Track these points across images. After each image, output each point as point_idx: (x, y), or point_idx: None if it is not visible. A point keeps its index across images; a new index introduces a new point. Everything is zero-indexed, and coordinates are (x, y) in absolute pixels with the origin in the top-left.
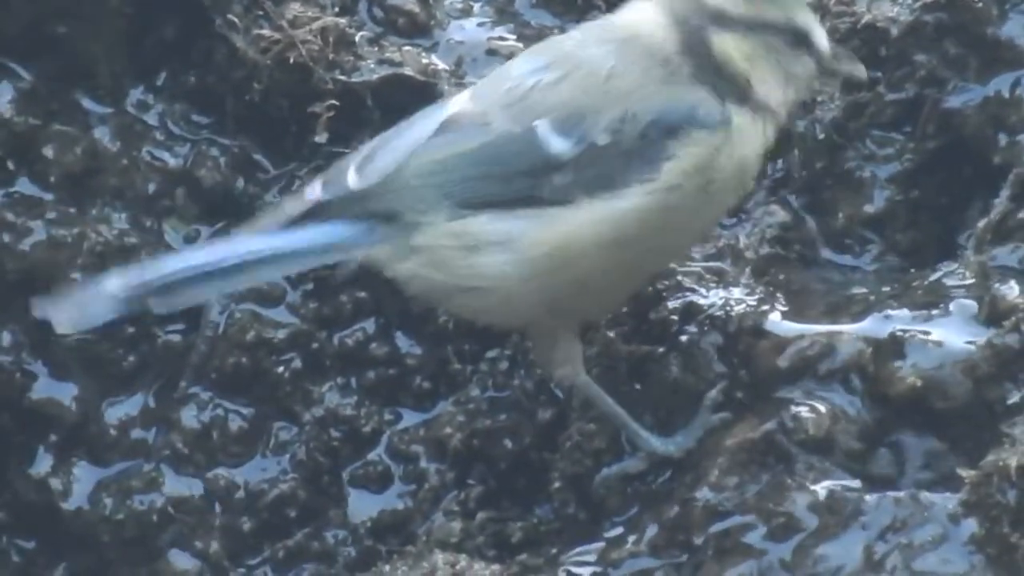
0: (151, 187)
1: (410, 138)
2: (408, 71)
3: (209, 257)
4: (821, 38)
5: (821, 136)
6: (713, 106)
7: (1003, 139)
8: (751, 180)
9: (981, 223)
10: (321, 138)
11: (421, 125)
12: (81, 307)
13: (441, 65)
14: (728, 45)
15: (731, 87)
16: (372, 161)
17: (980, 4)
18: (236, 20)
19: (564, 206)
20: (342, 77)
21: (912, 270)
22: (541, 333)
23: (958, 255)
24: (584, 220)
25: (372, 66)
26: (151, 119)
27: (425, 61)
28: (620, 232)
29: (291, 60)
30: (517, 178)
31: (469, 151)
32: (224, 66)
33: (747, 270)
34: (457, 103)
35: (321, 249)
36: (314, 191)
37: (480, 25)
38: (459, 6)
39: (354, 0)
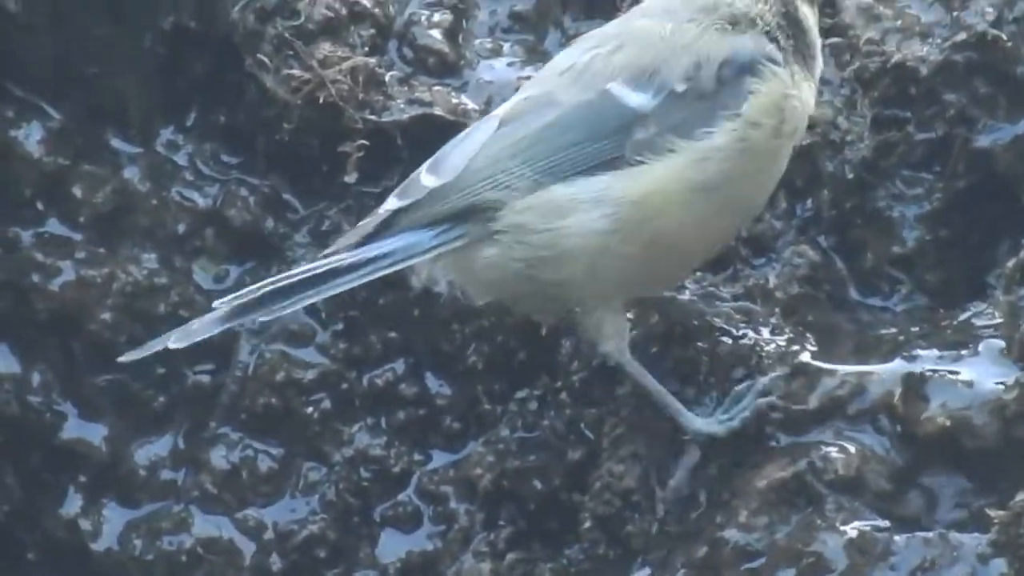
0: (181, 227)
1: (476, 139)
2: (438, 111)
3: (303, 268)
4: None
5: (850, 176)
6: (776, 50)
7: None
8: (804, 133)
9: (1010, 263)
10: (351, 178)
11: (483, 128)
12: (201, 323)
13: (471, 105)
14: (809, 14)
15: (798, 50)
16: (445, 161)
17: (1010, 43)
18: (266, 60)
19: (652, 158)
20: (372, 117)
21: (941, 310)
22: (594, 307)
23: (987, 295)
24: (672, 167)
25: (402, 106)
26: (181, 159)
27: (455, 101)
28: (707, 176)
29: (321, 100)
30: (599, 141)
31: (544, 125)
32: (254, 105)
33: (776, 310)
34: (507, 104)
35: (406, 253)
36: (387, 204)
37: (510, 65)
38: (489, 46)
39: (384, 40)
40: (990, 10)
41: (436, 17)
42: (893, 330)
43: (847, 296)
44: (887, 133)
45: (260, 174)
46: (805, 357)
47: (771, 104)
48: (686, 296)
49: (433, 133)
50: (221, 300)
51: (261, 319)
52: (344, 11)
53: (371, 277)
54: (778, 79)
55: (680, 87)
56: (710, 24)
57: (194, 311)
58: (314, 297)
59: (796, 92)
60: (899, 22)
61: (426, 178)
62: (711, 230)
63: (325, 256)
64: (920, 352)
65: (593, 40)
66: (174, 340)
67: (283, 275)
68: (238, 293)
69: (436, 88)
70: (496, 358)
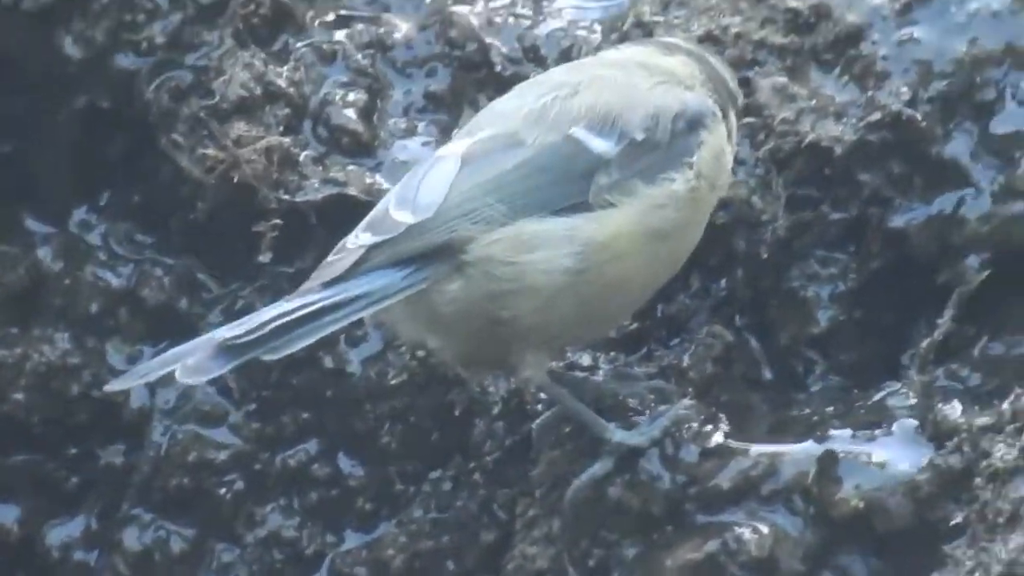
0: (94, 307)
1: (440, 176)
2: (352, 190)
3: (294, 307)
4: None
5: (765, 255)
6: (716, 105)
7: (947, 258)
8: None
9: (924, 343)
10: (265, 257)
11: (442, 165)
12: (199, 360)
13: (385, 184)
14: (728, 78)
15: (724, 100)
16: (416, 197)
17: (925, 123)
18: (181, 139)
19: (614, 203)
20: (286, 196)
21: (855, 390)
22: (532, 347)
23: (902, 375)
24: (634, 212)
25: (316, 185)
26: (94, 238)
27: (369, 180)
28: (664, 222)
29: (235, 179)
30: (565, 184)
31: (516, 165)
32: (169, 185)
33: (690, 390)
34: (457, 145)
35: (383, 293)
36: (359, 239)
37: (424, 144)
38: (403, 125)
39: (299, 119)
40: (905, 90)
41: (351, 96)
42: (807, 410)
43: (761, 376)
44: (801, 213)
45: (174, 254)
46: (719, 437)
47: (713, 155)
48: (599, 376)
49: (347, 213)
50: (220, 333)
51: (264, 357)
52: (259, 91)
53: (356, 316)
54: (719, 133)
55: (639, 136)
56: (657, 79)
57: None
58: (311, 336)
59: (729, 147)
60: (814, 102)
61: (399, 214)
62: (656, 276)
63: (302, 294)
64: (834, 432)
65: (544, 86)
66: (181, 374)
67: (281, 310)
68: (238, 328)
69: (350, 168)
70: (409, 438)
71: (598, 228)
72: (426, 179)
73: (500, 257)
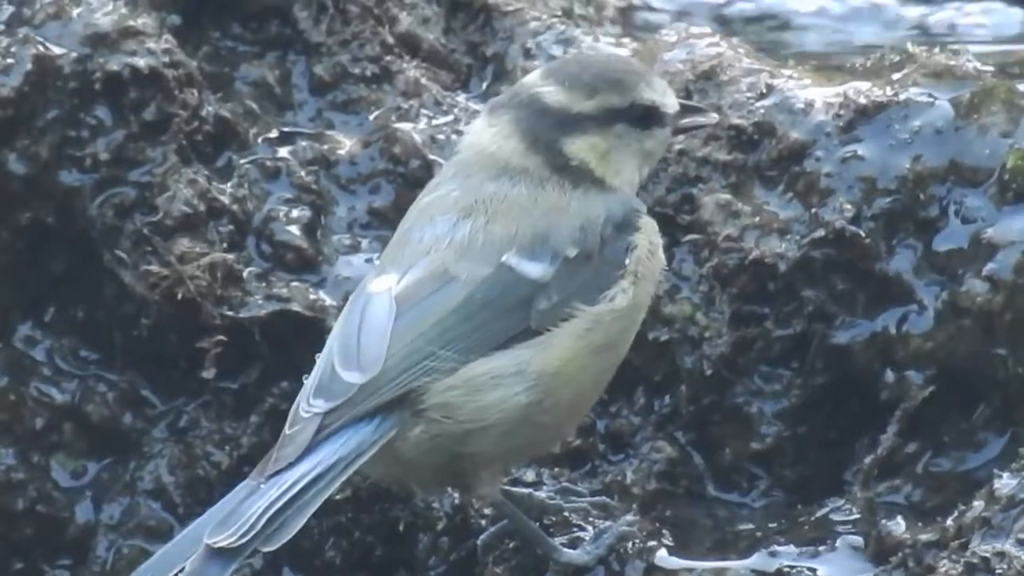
0: (38, 422)
1: (377, 323)
2: (296, 307)
3: (278, 491)
4: (666, 103)
5: (709, 371)
6: (639, 200)
7: (890, 375)
8: None
9: (868, 459)
10: (209, 373)
11: (376, 308)
12: (195, 569)
13: (328, 301)
14: (583, 149)
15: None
16: (359, 353)
17: (868, 240)
18: (124, 256)
19: (556, 326)
20: (230, 313)
21: (799, 506)
22: (489, 466)
23: (845, 491)
24: (577, 332)
25: (260, 301)
26: (39, 354)
27: (313, 296)
28: (608, 336)
29: (179, 295)
30: (506, 316)
31: (454, 308)
32: (112, 301)
33: (634, 506)
34: (387, 281)
35: (358, 451)
36: (312, 407)
37: (368, 260)
38: (347, 241)
39: (242, 235)
40: (848, 207)
41: (294, 213)
42: (751, 526)
43: (705, 492)
44: (745, 329)
45: (118, 370)
46: (662, 553)
47: (648, 256)
48: (543, 493)
49: (291, 329)
50: (214, 540)
51: (263, 549)
52: (202, 207)
53: (335, 486)
54: (649, 228)
55: (571, 252)
56: (555, 184)
57: (52, 507)
58: (302, 517)
59: (658, 237)
60: (757, 218)
61: (347, 375)
62: (605, 381)
63: (273, 474)
64: (778, 548)
65: (455, 210)
66: None
67: (267, 501)
68: (227, 531)
69: (294, 284)
70: (354, 554)
71: (547, 358)
72: (365, 329)
73: (457, 402)
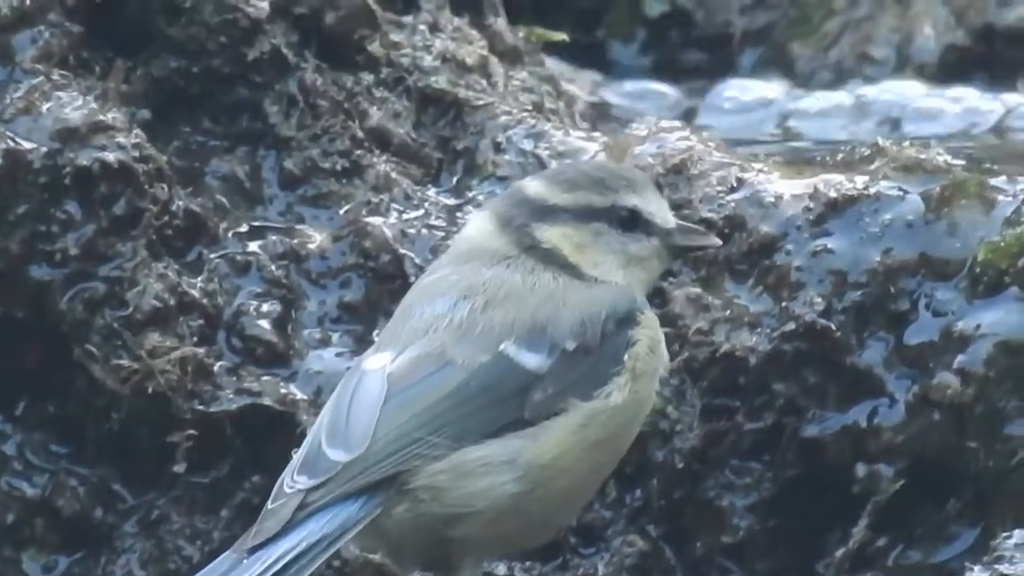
0: (9, 517)
1: (368, 400)
2: (267, 401)
3: (262, 566)
4: (658, 214)
5: (680, 465)
6: (637, 295)
7: (862, 468)
8: None
9: (840, 552)
10: (180, 467)
11: (368, 385)
12: None
13: (300, 395)
14: (555, 236)
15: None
16: (346, 431)
17: (839, 333)
18: (95, 350)
19: (550, 419)
20: (201, 407)
21: None
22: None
23: None
24: (572, 426)
25: (231, 395)
26: (9, 448)
27: (284, 391)
28: (606, 431)
29: (150, 390)
30: (500, 404)
31: (448, 393)
32: (83, 395)
33: None
34: (381, 359)
35: (342, 529)
36: (296, 483)
37: (339, 355)
38: (318, 335)
39: (213, 330)
40: (819, 300)
41: (265, 307)
42: None
43: None
44: (716, 422)
45: (89, 464)
46: None
47: (648, 351)
48: None
49: (262, 423)
50: None
51: None
52: (173, 301)
53: (318, 562)
54: (650, 323)
55: (570, 345)
56: (546, 271)
57: None
58: None
59: (660, 333)
60: (728, 312)
61: (332, 453)
62: (601, 476)
63: (254, 548)
64: None
65: (454, 291)
66: None
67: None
68: None
69: (265, 378)
70: None
71: (539, 449)
72: (355, 406)
73: (445, 486)
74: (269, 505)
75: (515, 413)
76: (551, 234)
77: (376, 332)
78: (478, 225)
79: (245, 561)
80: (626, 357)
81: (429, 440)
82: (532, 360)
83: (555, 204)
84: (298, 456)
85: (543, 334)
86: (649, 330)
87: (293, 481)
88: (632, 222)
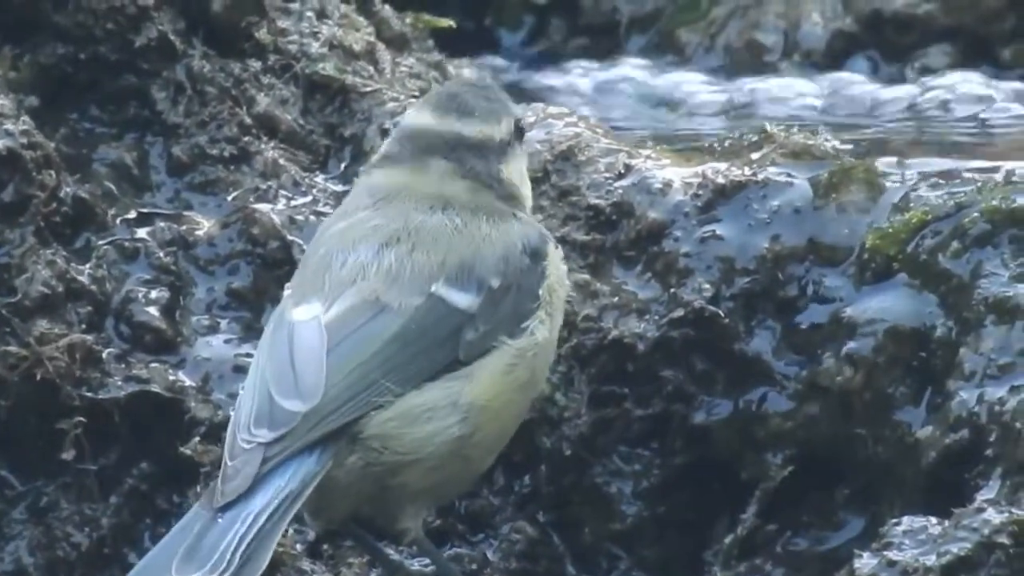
0: None
1: (310, 350)
2: (155, 387)
3: (244, 525)
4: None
5: (568, 452)
6: (542, 229)
7: (750, 454)
8: None
9: (728, 539)
10: (68, 455)
11: (305, 334)
12: None
13: (188, 382)
14: (511, 171)
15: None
16: (297, 381)
17: (727, 320)
18: None
19: (483, 358)
20: (89, 394)
21: None
22: (414, 502)
23: (706, 571)
24: (502, 366)
25: (119, 383)
26: None
27: (172, 377)
28: (532, 370)
29: (38, 377)
30: (438, 347)
31: (391, 338)
32: None
33: None
34: (312, 309)
35: (306, 481)
36: (250, 436)
37: (227, 342)
38: (206, 322)
39: (101, 317)
40: (707, 286)
41: (153, 294)
42: None
43: (565, 573)
44: (605, 410)
45: None
46: None
47: (557, 282)
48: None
49: (151, 410)
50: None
51: None
52: (61, 288)
53: (289, 517)
54: (556, 256)
55: (495, 282)
56: (482, 213)
57: None
58: (266, 552)
59: (563, 267)
60: (616, 299)
61: (288, 403)
62: (521, 419)
63: (225, 507)
64: None
65: (376, 235)
66: None
67: (232, 535)
68: (210, 569)
69: (153, 365)
70: None
71: (476, 391)
72: (297, 357)
73: (393, 433)
74: (228, 461)
75: (451, 354)
76: (509, 170)
77: (262, 319)
78: (401, 169)
79: (220, 520)
80: (541, 291)
81: (380, 385)
82: (463, 299)
83: (500, 140)
84: (245, 409)
85: (471, 273)
86: (555, 262)
87: (251, 435)
88: (522, 134)
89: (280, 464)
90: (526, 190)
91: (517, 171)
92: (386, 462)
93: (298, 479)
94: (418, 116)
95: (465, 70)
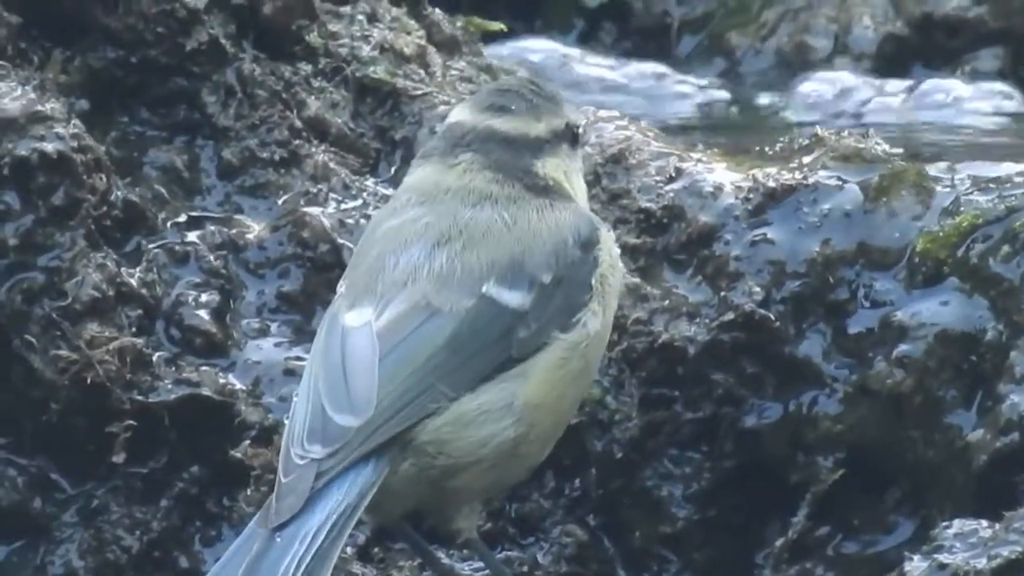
0: None
1: (361, 360)
2: (205, 391)
3: (302, 546)
4: (581, 122)
5: (618, 455)
6: (592, 215)
7: (800, 457)
8: None
9: (779, 542)
10: (118, 458)
11: (357, 342)
12: None
13: (238, 385)
14: (551, 168)
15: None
16: (349, 395)
17: (777, 323)
18: (33, 340)
19: (536, 355)
20: (139, 397)
21: None
22: (470, 501)
23: (756, 574)
24: (556, 360)
25: (169, 386)
26: None
27: (222, 381)
28: (585, 359)
29: (88, 380)
30: (491, 348)
31: (444, 343)
32: (21, 386)
33: None
34: (364, 314)
35: (363, 494)
36: (308, 451)
37: (277, 345)
38: (256, 326)
39: (151, 320)
40: (758, 290)
41: (203, 297)
42: None
43: (615, 575)
44: (655, 413)
45: (27, 454)
46: None
47: (611, 269)
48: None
49: (200, 413)
50: None
51: None
52: (111, 292)
53: (348, 531)
54: (608, 241)
55: (546, 278)
56: (530, 206)
57: None
58: (325, 571)
59: (616, 249)
60: (666, 302)
61: (340, 418)
62: (575, 409)
63: (280, 526)
64: None
65: (428, 236)
66: None
67: (292, 555)
68: None
69: (203, 368)
70: None
71: (531, 390)
72: (350, 367)
73: (448, 438)
74: (283, 479)
75: (503, 354)
76: (549, 168)
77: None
78: (446, 167)
79: (278, 539)
80: (593, 281)
81: (432, 389)
82: (514, 299)
83: (537, 136)
84: (298, 424)
85: (521, 270)
86: (608, 248)
87: (304, 451)
88: (576, 138)
89: (335, 478)
90: (579, 193)
91: (560, 170)
92: (441, 466)
93: (354, 492)
94: (459, 112)
95: (520, 71)
